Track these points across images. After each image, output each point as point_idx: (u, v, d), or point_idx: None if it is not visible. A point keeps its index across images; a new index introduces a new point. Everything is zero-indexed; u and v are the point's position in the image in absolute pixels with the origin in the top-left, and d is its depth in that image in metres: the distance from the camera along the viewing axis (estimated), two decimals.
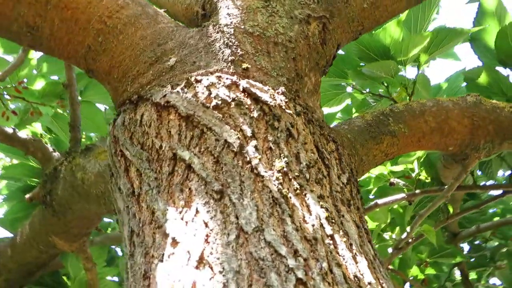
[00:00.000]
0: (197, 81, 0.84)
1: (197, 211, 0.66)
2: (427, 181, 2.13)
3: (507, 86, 1.86)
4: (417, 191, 1.93)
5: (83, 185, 1.39)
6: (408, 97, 1.75)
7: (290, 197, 0.68)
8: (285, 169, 0.72)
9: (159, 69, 0.91)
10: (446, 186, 1.70)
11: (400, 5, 1.09)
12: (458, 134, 1.31)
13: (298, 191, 0.70)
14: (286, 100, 0.84)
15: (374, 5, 1.07)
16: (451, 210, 2.16)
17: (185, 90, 0.82)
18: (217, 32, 0.95)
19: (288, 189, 0.69)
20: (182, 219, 0.66)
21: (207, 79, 0.84)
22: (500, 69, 1.84)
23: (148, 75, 0.92)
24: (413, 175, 2.11)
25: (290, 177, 0.72)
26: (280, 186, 0.69)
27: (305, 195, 0.70)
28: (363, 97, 1.87)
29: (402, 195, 1.92)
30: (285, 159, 0.74)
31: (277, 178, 0.70)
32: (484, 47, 1.78)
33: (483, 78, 1.82)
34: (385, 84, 1.74)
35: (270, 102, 0.82)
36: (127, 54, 0.94)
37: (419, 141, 1.29)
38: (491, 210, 2.83)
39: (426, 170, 2.08)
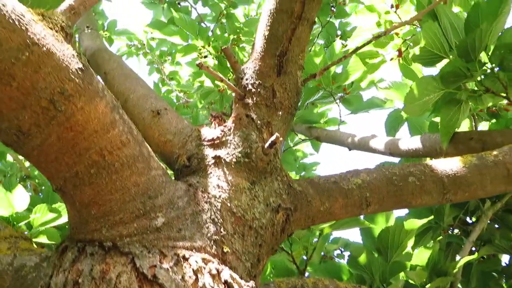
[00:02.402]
0: (185, 259, 0.86)
1: None
2: None
3: (376, 269, 2.22)
4: None
5: None
6: (305, 256, 1.95)
7: None
8: None
9: (145, 225, 0.91)
10: None
11: (345, 216, 1.30)
12: None
13: None
14: None
15: (328, 211, 1.25)
16: None
17: (175, 269, 0.83)
18: (206, 202, 1.01)
19: None
20: None
21: (195, 260, 0.87)
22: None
23: (131, 227, 0.91)
24: None
25: None
26: None
27: None
28: None
29: None
30: None
31: None
32: (370, 235, 2.14)
33: (362, 257, 2.14)
34: (290, 242, 1.92)
35: None
36: (115, 196, 0.92)
37: None
38: None
39: None
